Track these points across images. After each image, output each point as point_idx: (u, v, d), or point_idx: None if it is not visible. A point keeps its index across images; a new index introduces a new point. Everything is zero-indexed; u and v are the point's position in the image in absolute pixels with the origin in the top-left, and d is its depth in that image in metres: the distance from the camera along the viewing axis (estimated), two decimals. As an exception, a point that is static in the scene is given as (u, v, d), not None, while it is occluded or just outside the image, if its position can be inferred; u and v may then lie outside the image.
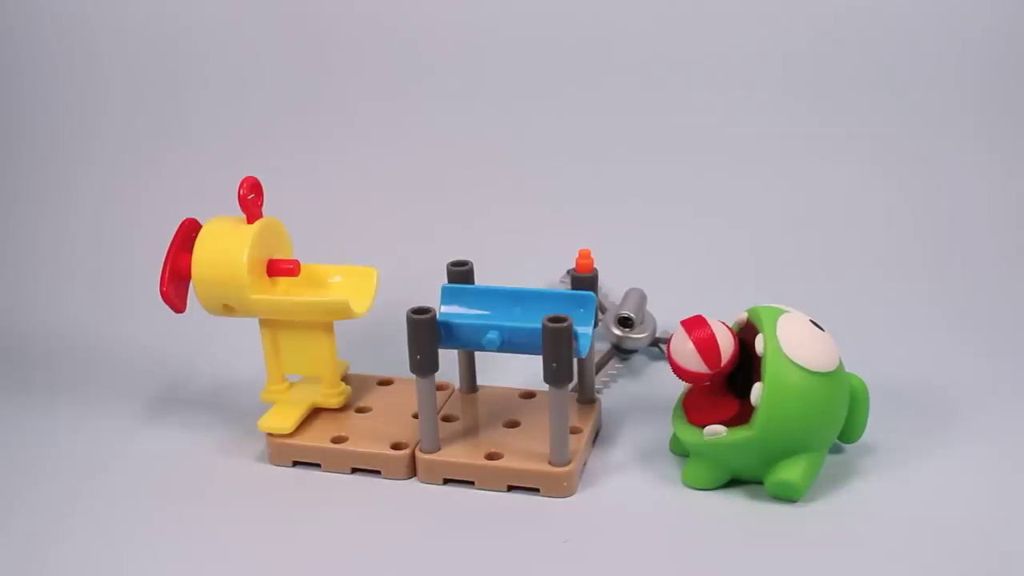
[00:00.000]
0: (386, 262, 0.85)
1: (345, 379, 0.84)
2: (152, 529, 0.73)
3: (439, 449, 0.76)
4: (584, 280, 0.79)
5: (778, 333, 0.71)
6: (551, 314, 0.71)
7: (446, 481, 0.76)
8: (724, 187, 1.05)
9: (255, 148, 1.10)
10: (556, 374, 0.71)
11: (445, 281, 0.79)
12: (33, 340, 0.97)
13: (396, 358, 0.81)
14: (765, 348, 0.71)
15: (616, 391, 0.87)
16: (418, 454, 0.76)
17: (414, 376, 0.74)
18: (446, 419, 0.80)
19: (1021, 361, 0.87)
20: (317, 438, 0.79)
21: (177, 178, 1.10)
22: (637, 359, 0.91)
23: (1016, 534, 0.69)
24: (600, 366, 0.88)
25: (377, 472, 0.77)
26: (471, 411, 0.82)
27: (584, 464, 0.77)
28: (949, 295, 0.96)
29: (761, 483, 0.73)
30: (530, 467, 0.74)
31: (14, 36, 1.13)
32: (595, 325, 0.76)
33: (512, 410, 0.81)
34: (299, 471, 0.78)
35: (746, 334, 0.74)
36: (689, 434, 0.74)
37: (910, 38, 1.04)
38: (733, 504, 0.73)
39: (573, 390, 0.82)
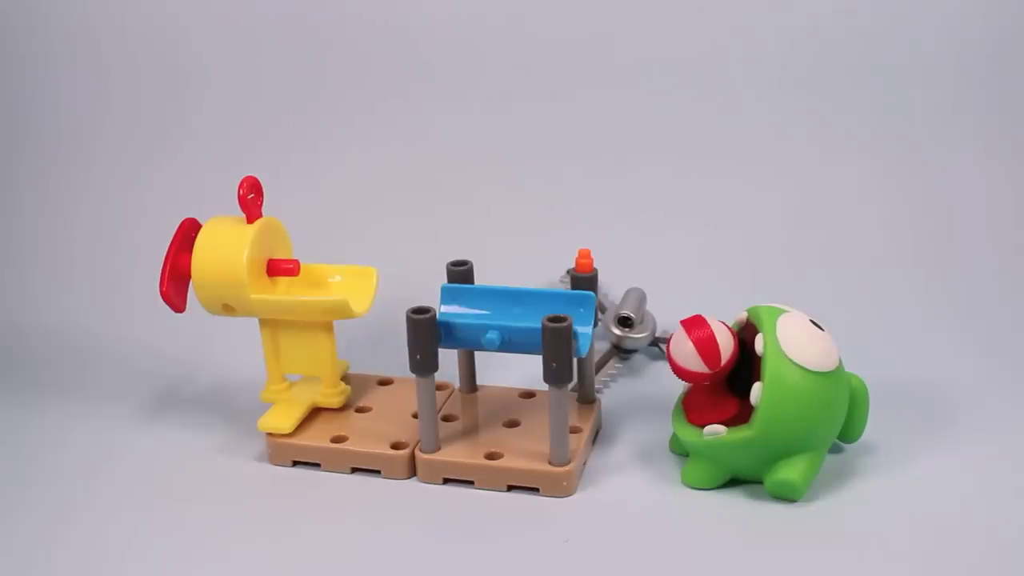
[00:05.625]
0: (386, 262, 0.85)
1: (345, 379, 0.84)
2: (152, 529, 0.73)
3: (439, 449, 0.76)
4: (584, 280, 0.80)
5: (778, 333, 0.71)
6: (551, 314, 0.71)
7: (446, 481, 0.76)
8: (724, 187, 1.05)
9: (255, 148, 1.10)
10: (556, 374, 0.71)
11: (445, 281, 0.79)
12: (33, 340, 0.98)
13: (396, 358, 0.81)
14: (765, 348, 0.71)
15: (616, 391, 0.87)
16: (418, 454, 0.76)
17: (414, 376, 0.74)
18: (446, 419, 0.80)
19: (1021, 361, 0.87)
20: (317, 438, 0.79)
21: (177, 178, 1.10)
22: (637, 359, 0.91)
23: (1016, 533, 0.69)
24: (600, 366, 0.88)
25: (377, 472, 0.77)
26: (471, 411, 0.82)
27: (584, 464, 0.77)
28: (949, 295, 0.96)
29: (761, 483, 0.73)
30: (530, 467, 0.74)
31: (14, 36, 1.13)
32: (595, 325, 0.76)
33: (512, 410, 0.81)
34: (299, 471, 0.78)
35: (746, 334, 0.74)
36: (689, 434, 0.74)
37: (910, 38, 1.04)
38: (733, 504, 0.73)
39: (573, 390, 0.82)
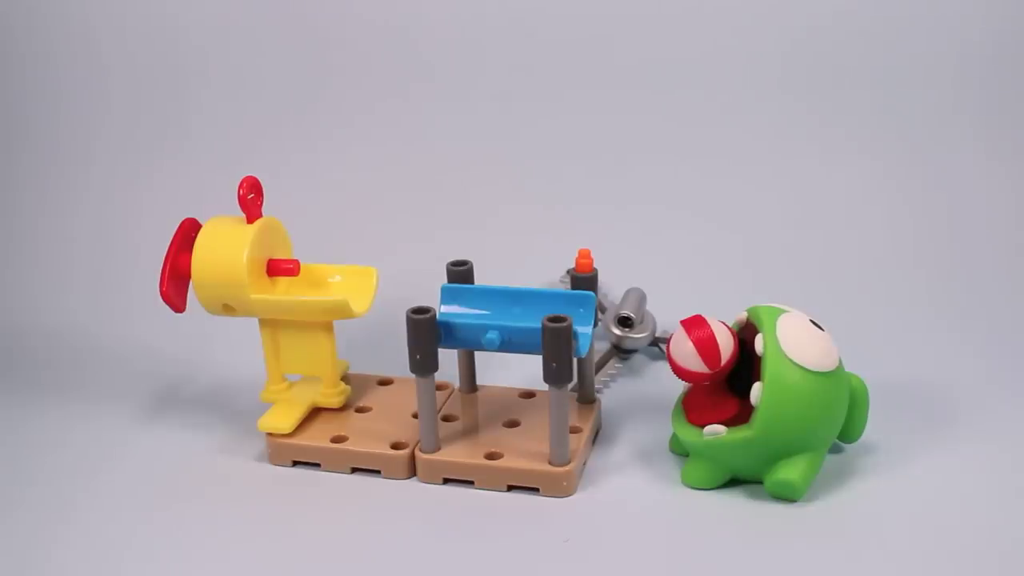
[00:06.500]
0: (386, 262, 0.85)
1: (345, 379, 0.84)
2: (152, 529, 0.73)
3: (439, 449, 0.76)
4: (584, 280, 0.80)
5: (778, 333, 0.71)
6: (551, 314, 0.71)
7: (446, 481, 0.76)
8: (724, 187, 1.05)
9: (255, 148, 1.10)
10: (556, 374, 0.71)
11: (445, 281, 0.79)
12: (33, 340, 0.98)
13: (396, 358, 0.81)
14: (765, 348, 0.71)
15: (616, 391, 0.87)
16: (418, 454, 0.76)
17: (414, 376, 0.74)
18: (446, 419, 0.80)
19: (1021, 361, 0.87)
20: (317, 438, 0.79)
21: (177, 178, 1.10)
22: (637, 359, 0.91)
23: (1016, 534, 0.69)
24: (600, 366, 0.88)
25: (377, 472, 0.77)
26: (471, 411, 0.82)
27: (584, 464, 0.77)
28: (949, 295, 0.96)
29: (761, 483, 0.73)
30: (530, 467, 0.74)
31: (14, 36, 1.13)
32: (595, 325, 0.76)
33: (512, 410, 0.81)
34: (299, 471, 0.78)
35: (746, 334, 0.74)
36: (689, 434, 0.74)
37: (910, 38, 1.04)
38: (733, 504, 0.73)
39: (573, 390, 0.82)
